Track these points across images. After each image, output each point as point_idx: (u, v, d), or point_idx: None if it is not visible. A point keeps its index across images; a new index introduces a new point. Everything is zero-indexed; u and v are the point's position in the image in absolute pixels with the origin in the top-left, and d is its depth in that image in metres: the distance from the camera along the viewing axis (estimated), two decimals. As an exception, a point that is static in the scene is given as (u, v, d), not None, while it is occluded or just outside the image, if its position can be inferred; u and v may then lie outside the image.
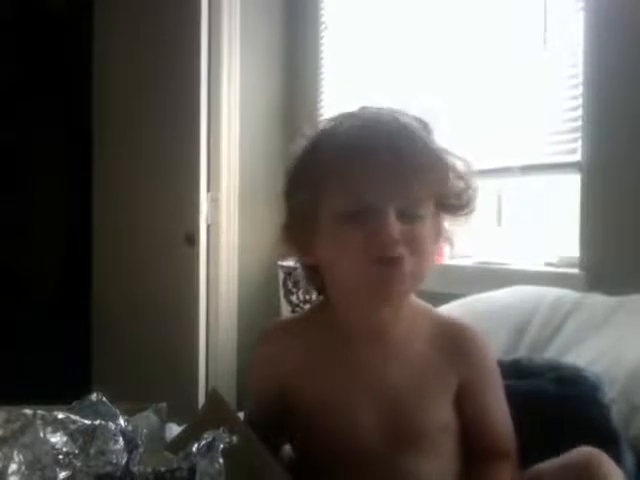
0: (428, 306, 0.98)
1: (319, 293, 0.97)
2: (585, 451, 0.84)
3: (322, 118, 0.94)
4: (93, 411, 0.78)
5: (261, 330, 1.03)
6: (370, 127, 0.86)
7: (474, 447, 0.94)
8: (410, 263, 0.84)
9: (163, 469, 0.71)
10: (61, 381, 2.42)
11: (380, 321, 0.92)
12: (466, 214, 0.92)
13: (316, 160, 0.88)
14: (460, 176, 0.90)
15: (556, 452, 0.89)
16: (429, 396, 0.91)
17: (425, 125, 0.90)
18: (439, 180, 0.87)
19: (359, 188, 0.84)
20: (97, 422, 0.74)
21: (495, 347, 1.15)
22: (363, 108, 0.92)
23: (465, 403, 0.93)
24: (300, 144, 0.92)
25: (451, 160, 0.89)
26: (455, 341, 0.95)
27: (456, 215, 0.91)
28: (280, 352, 0.95)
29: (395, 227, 0.83)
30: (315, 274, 0.93)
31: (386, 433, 0.89)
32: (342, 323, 0.93)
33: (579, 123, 1.86)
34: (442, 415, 0.92)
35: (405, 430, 0.90)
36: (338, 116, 0.92)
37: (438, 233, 0.91)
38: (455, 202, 0.90)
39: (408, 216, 0.85)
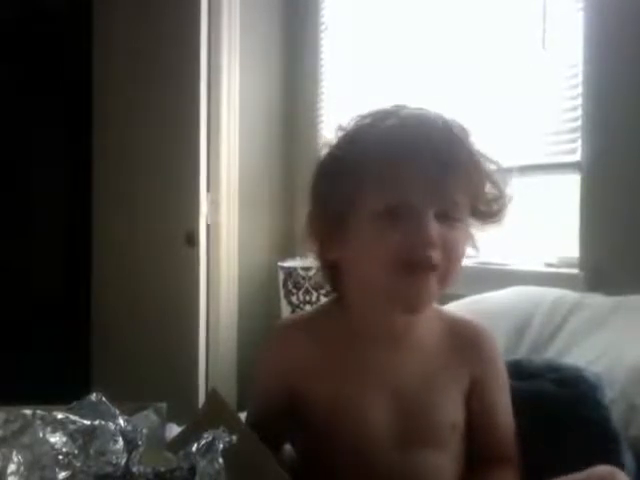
0: (437, 305, 0.98)
1: (334, 291, 0.96)
2: (601, 470, 0.82)
3: (357, 112, 0.92)
4: (93, 411, 0.78)
5: (272, 327, 1.02)
6: (412, 126, 0.85)
7: (478, 448, 0.94)
8: (440, 270, 0.83)
9: (163, 469, 0.71)
10: (61, 381, 2.42)
11: (395, 323, 0.91)
12: (495, 222, 0.91)
13: (354, 156, 0.86)
14: (495, 183, 0.89)
15: (557, 453, 0.89)
16: (441, 395, 0.92)
17: (464, 128, 0.89)
18: (477, 185, 0.87)
19: (399, 187, 0.83)
20: (97, 422, 0.74)
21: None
22: (401, 107, 0.90)
23: (474, 400, 0.93)
24: (335, 138, 0.91)
25: (488, 166, 0.88)
26: (466, 338, 0.95)
27: (485, 222, 0.90)
28: (291, 350, 0.94)
29: (434, 228, 0.82)
30: (333, 272, 0.92)
31: (397, 433, 0.89)
32: (355, 323, 0.92)
33: (579, 123, 1.86)
34: (453, 414, 0.92)
35: (416, 430, 0.90)
36: (375, 112, 0.90)
37: (468, 238, 0.90)
38: (486, 209, 0.89)
39: (446, 219, 0.84)
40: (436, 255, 0.82)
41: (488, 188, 0.89)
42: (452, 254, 0.84)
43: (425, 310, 0.89)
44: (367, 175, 0.84)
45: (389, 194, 0.83)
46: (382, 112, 0.89)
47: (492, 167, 0.89)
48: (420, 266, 0.82)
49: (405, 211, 0.83)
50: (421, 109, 0.90)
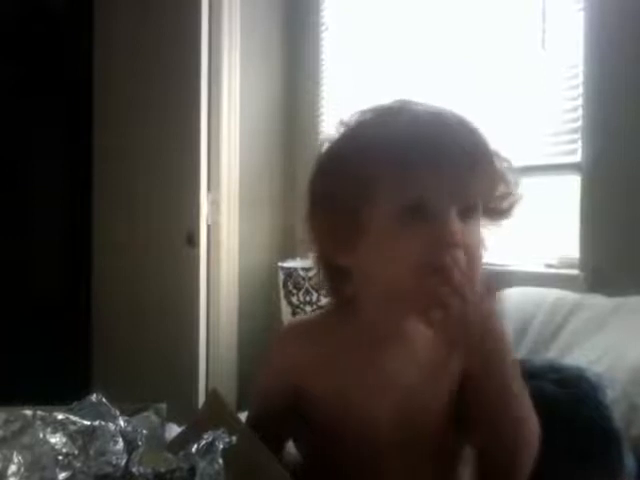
0: None
1: (336, 296, 0.93)
2: None
3: (358, 109, 0.88)
4: (93, 412, 0.78)
5: (278, 328, 1.01)
6: (428, 123, 0.82)
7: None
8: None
9: (163, 469, 0.71)
10: (61, 381, 2.42)
11: (406, 325, 0.89)
12: (504, 219, 0.88)
13: (363, 154, 0.82)
14: (507, 181, 0.86)
15: (557, 453, 0.89)
16: (448, 395, 0.90)
17: (476, 126, 0.86)
18: (491, 182, 0.84)
19: (419, 186, 0.79)
20: (97, 423, 0.74)
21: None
22: (405, 102, 0.86)
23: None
24: (336, 134, 0.87)
25: (501, 163, 0.86)
26: None
27: (495, 220, 0.88)
28: (296, 350, 0.93)
29: (458, 227, 0.79)
30: (342, 276, 0.89)
31: (402, 433, 0.89)
32: (365, 326, 0.90)
33: (579, 124, 1.86)
34: (458, 414, 0.91)
35: (420, 430, 0.89)
36: (378, 108, 0.86)
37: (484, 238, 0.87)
38: (497, 206, 0.87)
39: (465, 218, 0.81)
40: (461, 255, 0.78)
41: (501, 185, 0.86)
42: (473, 254, 0.80)
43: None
44: (382, 174, 0.80)
45: (409, 193, 0.80)
46: (386, 108, 0.86)
47: (505, 165, 0.86)
48: (444, 271, 0.78)
49: (426, 210, 0.79)
50: (425, 105, 0.86)
